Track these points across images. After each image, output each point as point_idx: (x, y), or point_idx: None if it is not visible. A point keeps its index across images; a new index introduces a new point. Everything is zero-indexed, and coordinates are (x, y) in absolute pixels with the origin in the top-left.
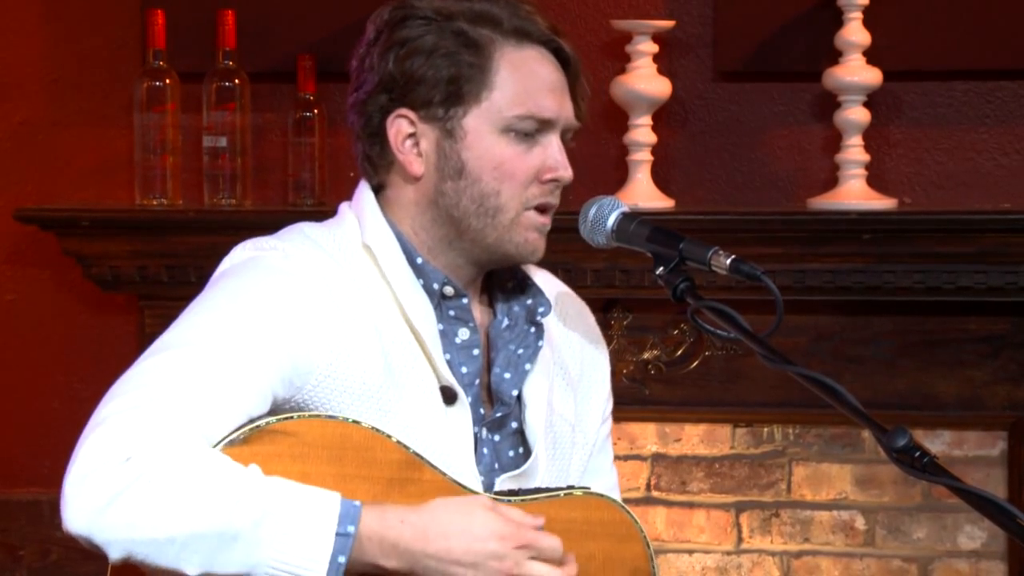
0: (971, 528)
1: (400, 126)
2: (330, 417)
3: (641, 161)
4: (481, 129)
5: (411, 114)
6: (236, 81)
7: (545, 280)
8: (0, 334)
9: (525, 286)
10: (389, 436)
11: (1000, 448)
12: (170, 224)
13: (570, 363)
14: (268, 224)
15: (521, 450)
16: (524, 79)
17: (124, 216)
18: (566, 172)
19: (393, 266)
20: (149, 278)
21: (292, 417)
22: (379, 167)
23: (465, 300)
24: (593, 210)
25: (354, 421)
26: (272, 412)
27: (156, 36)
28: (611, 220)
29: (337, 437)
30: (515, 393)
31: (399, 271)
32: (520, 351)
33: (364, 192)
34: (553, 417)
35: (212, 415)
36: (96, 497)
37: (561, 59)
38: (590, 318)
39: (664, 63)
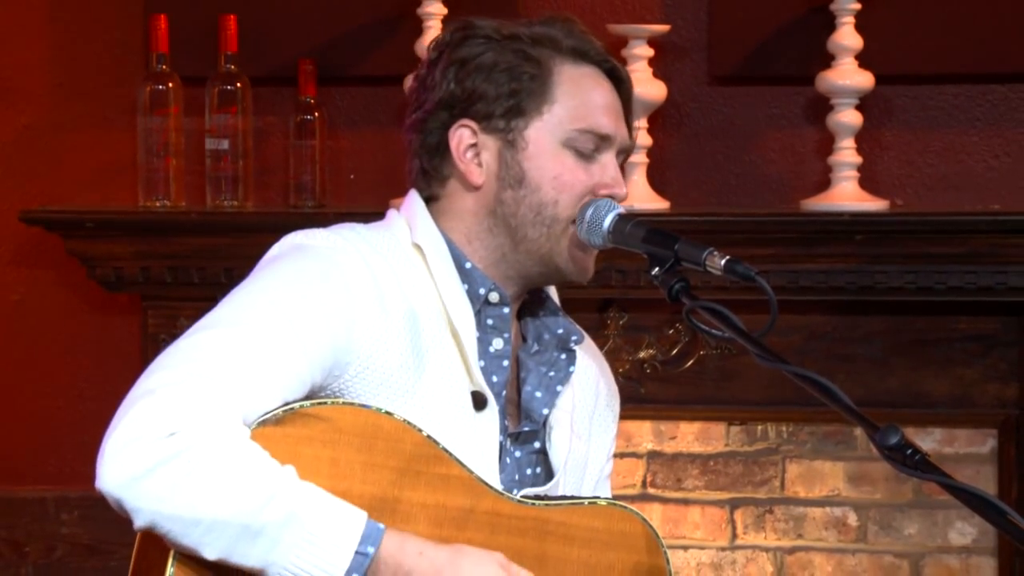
0: (962, 524)
1: (462, 136)
2: (363, 406)
3: (637, 163)
4: (542, 140)
5: (473, 125)
6: (238, 85)
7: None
8: (5, 334)
9: (557, 316)
10: (420, 430)
11: (990, 445)
12: (173, 225)
13: (588, 397)
14: (269, 226)
15: (539, 470)
16: (583, 94)
17: (127, 218)
18: (621, 190)
19: (441, 266)
20: (152, 279)
21: (327, 402)
22: (434, 180)
23: (506, 310)
24: (590, 211)
25: (387, 412)
26: (307, 397)
27: (159, 40)
28: (607, 221)
29: (369, 426)
30: (545, 412)
31: (446, 272)
32: (552, 373)
33: (415, 200)
34: (572, 445)
35: (254, 396)
36: (134, 464)
37: (614, 80)
38: (604, 360)
39: (659, 67)
